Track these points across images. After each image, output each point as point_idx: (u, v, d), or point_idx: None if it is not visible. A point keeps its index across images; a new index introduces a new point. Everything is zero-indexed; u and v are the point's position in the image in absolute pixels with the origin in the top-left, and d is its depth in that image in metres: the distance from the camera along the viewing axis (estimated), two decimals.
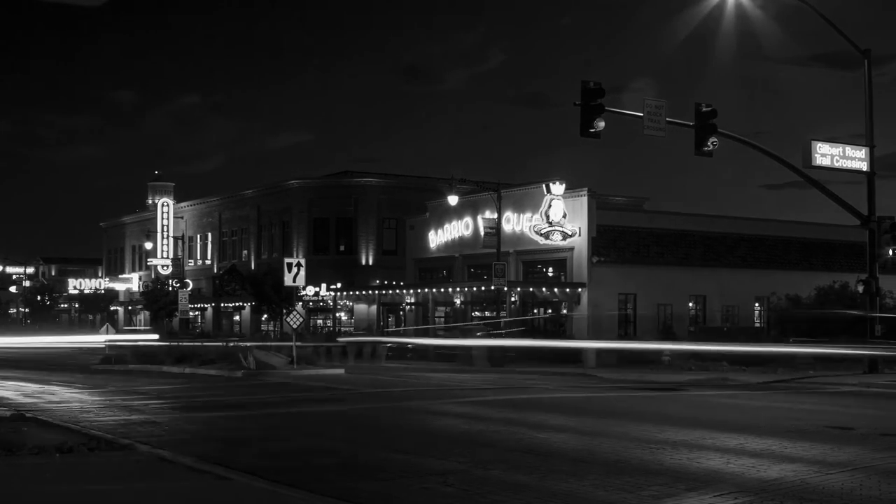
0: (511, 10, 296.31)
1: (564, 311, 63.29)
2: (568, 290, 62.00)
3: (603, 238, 61.79)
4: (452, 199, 63.85)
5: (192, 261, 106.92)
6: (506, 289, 60.05)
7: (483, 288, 62.44)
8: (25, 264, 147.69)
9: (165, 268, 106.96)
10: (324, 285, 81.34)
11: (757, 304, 67.99)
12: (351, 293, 79.45)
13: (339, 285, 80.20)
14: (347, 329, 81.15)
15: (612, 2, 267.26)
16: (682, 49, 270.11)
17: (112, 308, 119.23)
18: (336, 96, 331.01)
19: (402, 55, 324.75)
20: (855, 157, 44.38)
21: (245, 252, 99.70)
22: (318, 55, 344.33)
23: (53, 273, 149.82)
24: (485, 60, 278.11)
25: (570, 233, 61.62)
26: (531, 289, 63.93)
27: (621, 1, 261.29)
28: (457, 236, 71.75)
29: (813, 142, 43.82)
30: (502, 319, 60.04)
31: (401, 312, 77.13)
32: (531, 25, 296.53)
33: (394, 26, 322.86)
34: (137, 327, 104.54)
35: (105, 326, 72.90)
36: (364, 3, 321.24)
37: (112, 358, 59.14)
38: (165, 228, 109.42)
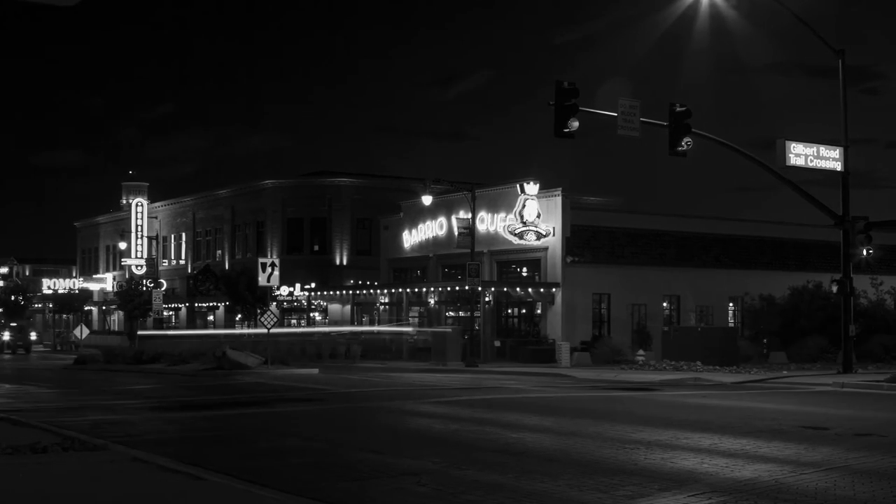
0: (491, 20, 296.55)
1: (538, 311, 63.37)
2: (542, 290, 62.01)
3: (577, 238, 61.81)
4: (426, 199, 63.77)
5: (166, 261, 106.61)
6: (480, 289, 60.01)
7: (457, 288, 62.46)
8: None
9: (139, 268, 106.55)
10: (298, 285, 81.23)
11: (731, 304, 68.16)
12: (325, 293, 79.34)
13: (313, 285, 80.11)
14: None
15: (589, 1, 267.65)
16: (659, 51, 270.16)
17: (86, 308, 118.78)
18: (315, 100, 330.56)
19: (382, 62, 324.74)
20: (829, 157, 44.40)
21: (219, 252, 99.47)
22: (297, 59, 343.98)
23: (27, 273, 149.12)
24: (465, 69, 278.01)
25: (544, 233, 61.62)
26: (505, 289, 63.90)
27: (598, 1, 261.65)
28: (431, 236, 71.69)
29: (787, 141, 43.84)
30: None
31: (375, 312, 77.10)
32: (510, 33, 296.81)
33: (370, 32, 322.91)
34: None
35: (79, 327, 72.73)
36: (346, 9, 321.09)
37: (86, 358, 59.00)
38: (139, 228, 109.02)
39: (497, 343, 62.86)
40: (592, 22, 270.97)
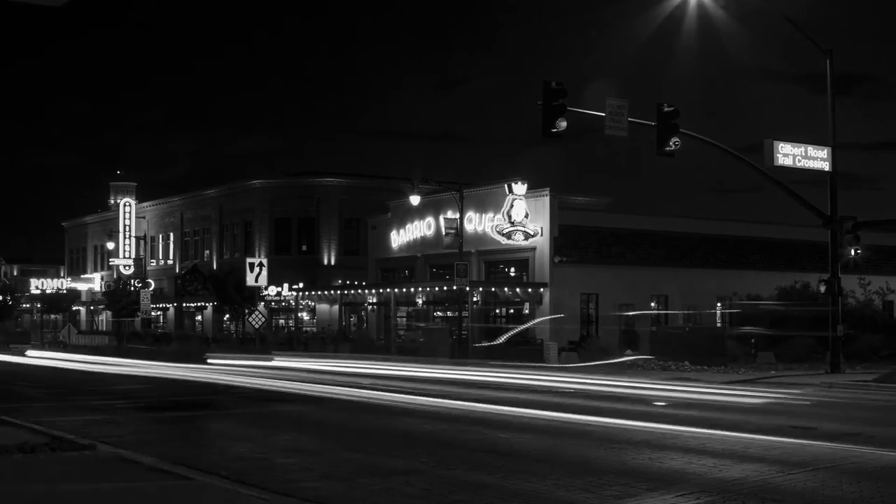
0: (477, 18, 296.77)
1: (526, 311, 63.29)
2: (530, 289, 61.95)
3: (565, 238, 61.71)
4: (414, 199, 63.73)
5: (154, 261, 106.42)
6: (468, 289, 59.97)
7: (445, 288, 62.34)
8: None
9: (127, 268, 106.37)
10: (286, 285, 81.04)
11: (719, 304, 68.10)
12: (313, 293, 79.16)
13: (301, 285, 79.91)
14: (310, 329, 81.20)
15: (579, 2, 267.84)
16: (646, 52, 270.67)
17: (74, 308, 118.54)
18: (308, 101, 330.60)
19: (364, 67, 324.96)
20: (817, 157, 44.40)
21: (207, 252, 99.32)
22: (292, 60, 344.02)
23: (15, 273, 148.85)
24: (450, 68, 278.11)
25: (532, 233, 61.55)
26: (493, 289, 63.83)
27: (586, 1, 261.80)
28: (419, 236, 71.61)
29: (775, 141, 43.83)
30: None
31: (363, 312, 77.05)
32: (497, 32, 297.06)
33: (354, 39, 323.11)
34: None
35: (67, 327, 72.76)
36: (337, 12, 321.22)
37: None
38: (127, 228, 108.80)
39: (485, 343, 62.74)
40: (586, 25, 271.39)
